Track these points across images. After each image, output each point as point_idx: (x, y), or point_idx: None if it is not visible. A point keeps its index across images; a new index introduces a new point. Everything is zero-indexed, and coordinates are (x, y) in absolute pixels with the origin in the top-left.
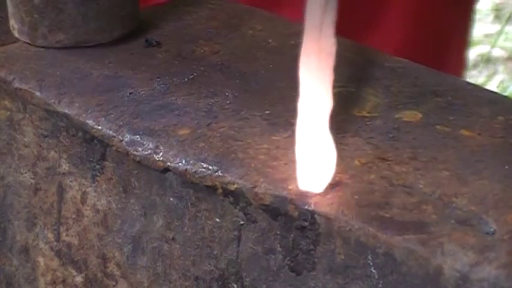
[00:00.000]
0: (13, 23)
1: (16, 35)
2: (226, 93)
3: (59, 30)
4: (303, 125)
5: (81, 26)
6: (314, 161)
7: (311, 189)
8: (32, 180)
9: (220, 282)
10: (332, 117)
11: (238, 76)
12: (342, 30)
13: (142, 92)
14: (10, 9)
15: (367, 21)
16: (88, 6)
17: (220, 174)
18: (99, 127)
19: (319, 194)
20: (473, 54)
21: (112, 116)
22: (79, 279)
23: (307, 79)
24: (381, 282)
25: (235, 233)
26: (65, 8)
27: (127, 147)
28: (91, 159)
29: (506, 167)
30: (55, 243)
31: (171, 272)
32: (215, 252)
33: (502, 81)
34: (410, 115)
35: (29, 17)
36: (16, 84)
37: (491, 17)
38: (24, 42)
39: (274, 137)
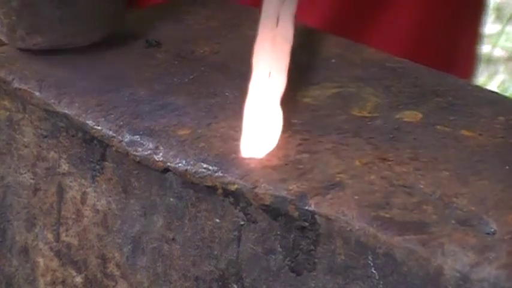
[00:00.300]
0: None
1: None
2: (226, 93)
3: (36, 33)
4: (252, 101)
5: (59, 29)
6: (258, 130)
7: (253, 155)
8: (32, 181)
9: (220, 283)
10: (332, 117)
11: (238, 76)
12: (344, 27)
13: (143, 92)
14: None
15: (370, 17)
16: (65, 9)
17: (220, 174)
18: (99, 127)
19: (264, 161)
20: None
21: (112, 116)
22: (79, 279)
23: (260, 60)
24: (381, 282)
25: (236, 233)
26: (41, 11)
27: (127, 148)
28: (91, 159)
29: (507, 167)
30: (55, 243)
31: (171, 273)
32: (215, 252)
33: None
34: (411, 115)
35: (8, 19)
36: (16, 84)
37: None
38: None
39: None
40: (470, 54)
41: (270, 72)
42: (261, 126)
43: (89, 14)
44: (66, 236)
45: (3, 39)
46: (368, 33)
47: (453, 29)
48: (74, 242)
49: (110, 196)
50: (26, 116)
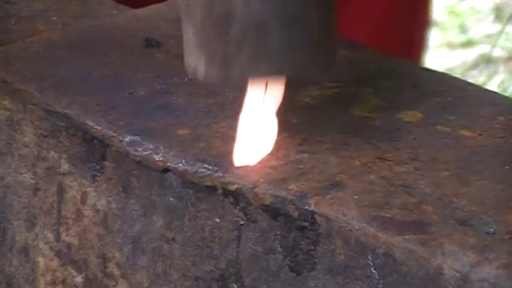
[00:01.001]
0: (197, 64)
1: (200, 76)
2: (226, 93)
3: (262, 59)
4: (248, 110)
5: (286, 57)
6: (252, 139)
7: (245, 163)
8: (32, 180)
9: (220, 283)
10: (332, 117)
11: None
12: None
13: (143, 92)
14: (192, 47)
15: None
16: (296, 30)
17: (220, 174)
18: (99, 127)
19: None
20: (473, 54)
21: (112, 116)
22: (79, 279)
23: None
24: (381, 282)
25: (235, 233)
26: (268, 34)
27: (127, 147)
28: (91, 159)
29: (507, 167)
30: (55, 243)
31: (171, 272)
32: (215, 252)
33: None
34: (411, 115)
35: (223, 49)
36: (16, 84)
37: (491, 17)
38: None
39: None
40: (423, 39)
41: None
42: (255, 135)
43: (316, 39)
44: (67, 235)
45: (214, 76)
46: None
47: (411, 16)
48: (74, 241)
49: (110, 196)
50: (26, 115)
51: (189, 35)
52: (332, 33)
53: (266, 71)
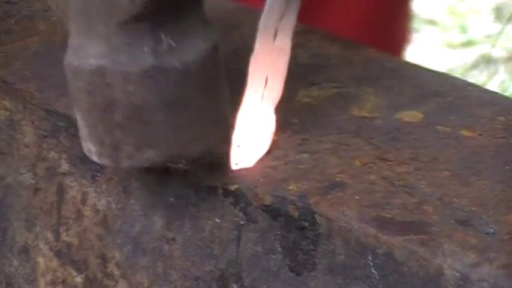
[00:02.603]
0: (89, 146)
1: (94, 158)
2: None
3: (148, 146)
4: (245, 109)
5: (173, 139)
6: (249, 139)
7: (243, 165)
8: (32, 181)
9: (220, 283)
10: (332, 117)
11: (238, 76)
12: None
13: None
14: (83, 129)
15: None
16: (179, 113)
17: (220, 174)
18: None
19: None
20: (473, 54)
21: None
22: (79, 279)
23: (255, 71)
24: (381, 282)
25: (235, 233)
26: (152, 120)
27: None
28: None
29: (507, 167)
30: (55, 243)
31: (171, 272)
32: (215, 252)
33: (502, 82)
34: (411, 115)
35: (109, 135)
36: (16, 84)
37: (491, 17)
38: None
39: (274, 137)
40: (405, 33)
41: (266, 80)
42: (252, 135)
43: (203, 118)
44: (67, 236)
45: (103, 162)
46: (320, 15)
47: (393, 9)
48: (74, 241)
49: (110, 196)
50: (26, 115)
51: (78, 119)
52: (221, 110)
53: (153, 158)
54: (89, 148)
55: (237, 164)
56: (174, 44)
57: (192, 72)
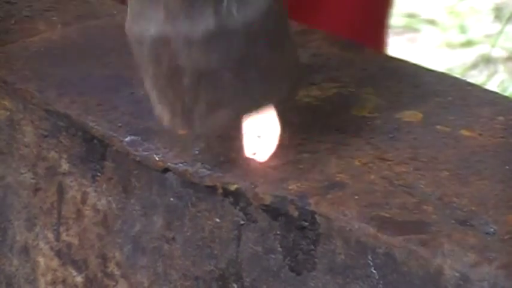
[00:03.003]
0: (160, 111)
1: (166, 124)
2: None
3: (220, 106)
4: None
5: (244, 99)
6: (270, 130)
7: (259, 156)
8: (32, 180)
9: (220, 282)
10: (332, 117)
11: None
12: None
13: (142, 92)
14: (156, 97)
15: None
16: (250, 73)
17: (220, 174)
18: (99, 127)
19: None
20: (473, 54)
21: (112, 116)
22: (79, 279)
23: None
24: (381, 282)
25: (235, 233)
26: (223, 81)
27: (127, 147)
28: (91, 159)
29: (507, 167)
30: (55, 243)
31: (171, 272)
32: (215, 252)
33: (502, 81)
34: (411, 115)
35: (179, 100)
36: (16, 84)
37: (491, 17)
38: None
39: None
40: (386, 28)
41: None
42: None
43: (273, 70)
44: (67, 235)
45: (179, 127)
46: (314, 15)
47: (378, 5)
48: (75, 241)
49: (110, 196)
50: (27, 115)
51: (147, 87)
52: (290, 57)
53: (226, 117)
54: (161, 116)
55: (254, 153)
56: (234, 3)
57: (256, 29)
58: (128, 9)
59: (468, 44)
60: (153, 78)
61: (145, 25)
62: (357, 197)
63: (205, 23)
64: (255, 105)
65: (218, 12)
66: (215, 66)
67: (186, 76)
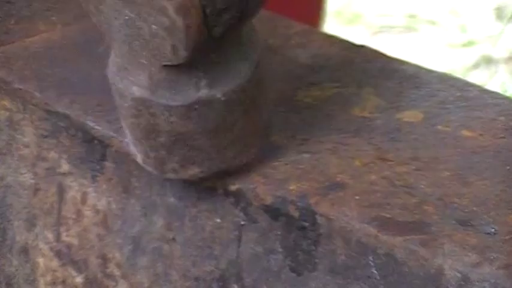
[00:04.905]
0: (136, 152)
1: (139, 161)
2: None
3: (192, 164)
4: None
5: (216, 157)
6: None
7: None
8: (32, 181)
9: (220, 283)
10: (332, 117)
11: None
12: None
13: None
14: (131, 139)
15: None
16: (221, 137)
17: (220, 174)
18: (99, 127)
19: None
20: (474, 54)
21: (112, 116)
22: (79, 279)
23: None
24: (382, 282)
25: (236, 233)
26: (195, 143)
27: (127, 147)
28: (91, 159)
29: (508, 167)
30: (55, 243)
31: (171, 273)
32: (215, 252)
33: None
34: (411, 115)
35: (155, 152)
36: (16, 84)
37: (492, 17)
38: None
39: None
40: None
41: None
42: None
43: (245, 136)
44: (67, 236)
45: (150, 169)
46: None
47: None
48: (74, 242)
49: (110, 196)
50: (26, 116)
51: (125, 131)
52: (263, 119)
53: (197, 174)
54: (136, 155)
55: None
56: (216, 78)
57: (235, 99)
58: (111, 56)
59: (469, 44)
60: (131, 127)
61: (128, 84)
62: (357, 197)
63: (187, 95)
64: (225, 166)
65: (199, 86)
66: (191, 132)
67: (162, 136)
